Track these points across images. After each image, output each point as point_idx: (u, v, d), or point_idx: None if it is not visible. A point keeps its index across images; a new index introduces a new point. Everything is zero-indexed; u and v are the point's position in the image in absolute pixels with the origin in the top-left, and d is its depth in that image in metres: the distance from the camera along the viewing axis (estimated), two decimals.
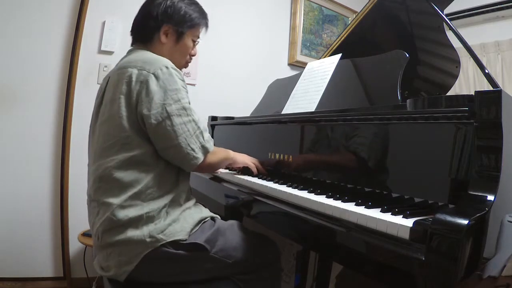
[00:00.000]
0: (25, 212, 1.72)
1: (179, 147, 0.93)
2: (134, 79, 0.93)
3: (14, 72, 1.70)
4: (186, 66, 1.18)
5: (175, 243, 0.91)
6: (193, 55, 1.17)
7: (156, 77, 0.93)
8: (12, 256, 1.70)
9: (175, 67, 0.98)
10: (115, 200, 0.89)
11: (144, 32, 1.08)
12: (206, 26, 1.16)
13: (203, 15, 1.14)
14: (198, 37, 1.16)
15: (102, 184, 0.93)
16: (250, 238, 1.06)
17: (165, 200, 0.95)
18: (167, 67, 0.95)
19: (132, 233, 0.89)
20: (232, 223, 1.09)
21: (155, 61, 0.96)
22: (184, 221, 0.96)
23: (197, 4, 1.14)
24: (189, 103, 0.99)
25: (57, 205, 1.79)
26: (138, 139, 0.93)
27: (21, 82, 1.71)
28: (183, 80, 0.99)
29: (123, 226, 0.89)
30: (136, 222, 0.89)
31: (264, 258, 1.08)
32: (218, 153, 1.10)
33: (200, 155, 0.97)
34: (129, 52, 1.08)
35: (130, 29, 1.11)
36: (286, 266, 1.71)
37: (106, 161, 0.92)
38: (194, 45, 1.15)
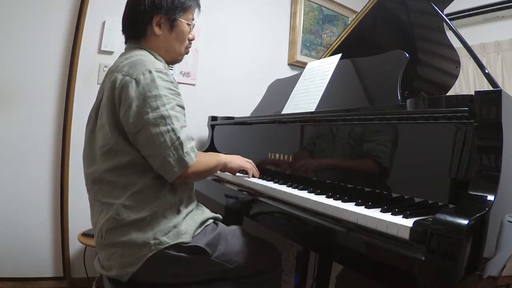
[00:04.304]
0: (25, 212, 1.72)
1: (156, 158, 0.89)
2: (117, 84, 0.90)
3: (14, 72, 1.70)
4: (187, 52, 1.12)
5: (178, 246, 0.91)
6: (192, 40, 1.12)
7: (137, 83, 0.88)
8: (12, 256, 1.70)
9: (160, 70, 0.92)
10: (117, 200, 0.90)
11: (136, 28, 1.04)
12: (198, 6, 1.11)
13: None
14: (193, 20, 1.10)
15: (102, 186, 0.93)
16: (252, 243, 1.07)
17: (168, 201, 0.94)
18: (150, 71, 0.90)
19: (136, 235, 0.88)
20: (234, 228, 1.09)
21: (140, 65, 0.92)
22: (187, 223, 0.95)
23: None
24: (181, 106, 0.95)
25: (57, 205, 1.79)
26: (128, 147, 0.91)
27: (21, 82, 1.71)
28: (171, 82, 0.94)
29: (127, 227, 0.89)
30: (140, 223, 0.89)
31: (265, 263, 1.08)
32: (204, 161, 1.00)
33: (177, 169, 0.89)
34: (123, 53, 1.05)
35: None
36: (286, 266, 1.71)
37: (103, 166, 0.92)
38: (190, 29, 1.10)
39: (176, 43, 1.07)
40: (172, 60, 1.10)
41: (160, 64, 0.97)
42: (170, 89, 0.93)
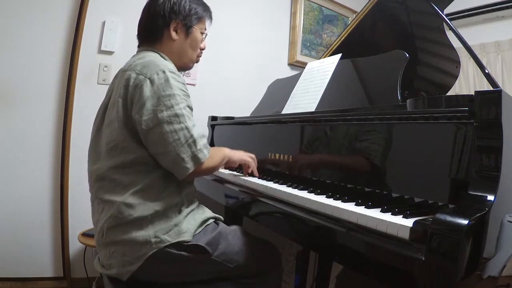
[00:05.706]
0: (25, 212, 1.72)
1: (169, 155, 0.91)
2: (131, 83, 0.92)
3: (14, 72, 1.70)
4: (197, 60, 1.17)
5: (179, 244, 0.91)
6: (203, 49, 1.17)
7: (151, 82, 0.91)
8: (12, 256, 1.69)
9: (173, 70, 0.96)
10: (118, 198, 0.90)
11: (153, 32, 1.07)
12: (211, 18, 1.18)
13: (206, 7, 1.16)
14: (205, 29, 1.16)
15: (105, 183, 0.93)
16: (252, 243, 1.07)
17: (170, 200, 0.95)
18: (164, 71, 0.93)
19: (137, 233, 0.89)
20: (235, 228, 1.09)
21: (154, 65, 0.94)
22: (188, 222, 0.96)
23: None
24: (190, 107, 0.97)
25: (57, 205, 1.79)
26: (134, 144, 0.92)
27: (21, 82, 1.71)
28: (183, 83, 0.97)
29: (128, 225, 0.89)
30: (141, 221, 0.90)
31: (265, 263, 1.08)
32: (214, 156, 1.03)
33: (190, 165, 0.92)
34: (135, 55, 1.08)
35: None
36: (286, 266, 1.71)
37: (108, 163, 0.93)
38: (203, 38, 1.15)
39: (190, 49, 1.11)
40: (184, 65, 1.14)
41: (172, 65, 1.00)
42: (182, 90, 0.96)
